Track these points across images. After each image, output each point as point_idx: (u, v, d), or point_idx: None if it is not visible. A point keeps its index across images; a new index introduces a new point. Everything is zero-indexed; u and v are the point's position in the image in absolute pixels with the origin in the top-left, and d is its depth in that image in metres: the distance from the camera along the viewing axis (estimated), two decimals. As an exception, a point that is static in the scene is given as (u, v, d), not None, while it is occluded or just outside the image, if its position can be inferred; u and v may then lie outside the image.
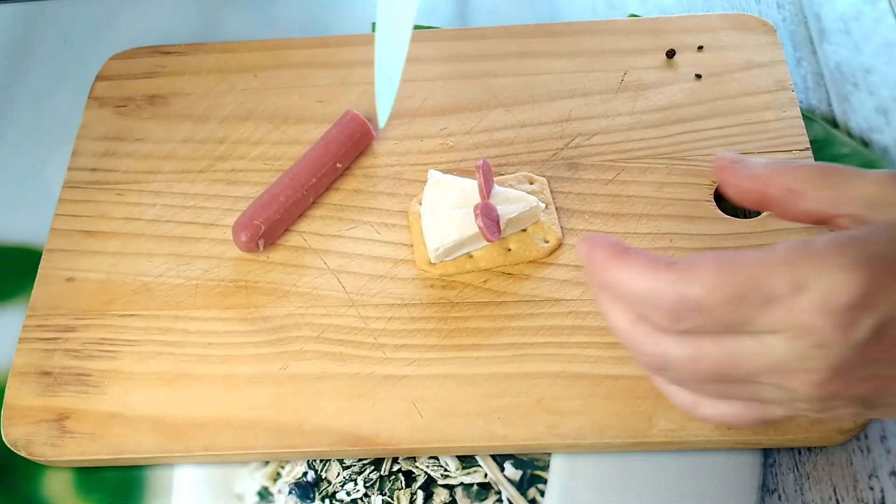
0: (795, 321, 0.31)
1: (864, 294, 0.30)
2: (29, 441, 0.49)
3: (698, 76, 0.59)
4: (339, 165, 0.56)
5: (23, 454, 0.48)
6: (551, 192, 0.54)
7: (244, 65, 0.62)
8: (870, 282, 0.30)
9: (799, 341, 0.31)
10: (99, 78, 0.63)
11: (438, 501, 0.47)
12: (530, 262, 0.52)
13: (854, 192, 0.35)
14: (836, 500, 0.46)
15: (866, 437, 0.47)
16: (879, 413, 0.35)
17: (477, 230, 0.50)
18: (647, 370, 0.36)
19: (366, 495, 0.48)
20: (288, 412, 0.48)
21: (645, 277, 0.33)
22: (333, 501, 0.48)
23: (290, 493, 0.48)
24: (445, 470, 0.48)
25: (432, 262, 0.52)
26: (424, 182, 0.54)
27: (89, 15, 0.69)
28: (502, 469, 0.48)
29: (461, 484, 0.48)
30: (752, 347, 0.32)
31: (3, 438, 0.49)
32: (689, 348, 0.33)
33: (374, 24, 0.66)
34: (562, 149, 0.57)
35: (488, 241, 0.51)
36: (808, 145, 0.55)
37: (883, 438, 0.47)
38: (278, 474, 0.49)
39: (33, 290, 0.54)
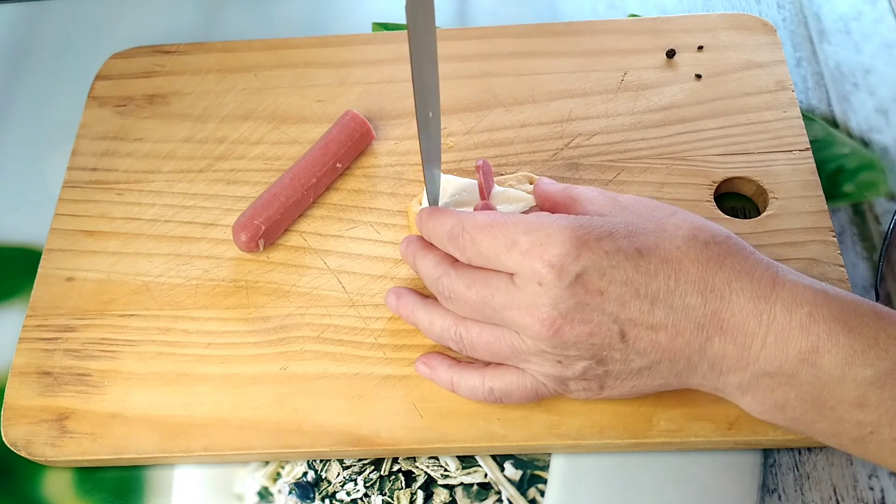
0: (524, 263, 0.42)
1: (569, 249, 0.41)
2: (29, 441, 0.49)
3: (698, 76, 0.59)
4: (339, 165, 0.56)
5: (23, 454, 0.48)
6: (551, 192, 0.54)
7: (244, 65, 0.62)
8: (575, 240, 0.41)
9: (527, 280, 0.42)
10: (99, 77, 0.63)
11: (438, 501, 0.47)
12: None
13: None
14: (836, 500, 0.46)
15: (866, 437, 0.48)
16: (611, 382, 0.44)
17: (477, 230, 0.50)
18: (445, 324, 0.46)
19: (366, 495, 0.48)
20: (288, 412, 0.48)
21: (446, 219, 0.45)
22: (333, 501, 0.48)
23: (290, 493, 0.48)
24: (445, 470, 0.48)
25: (432, 262, 0.52)
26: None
27: (89, 15, 0.69)
28: (502, 469, 0.48)
29: (461, 484, 0.48)
30: (499, 284, 0.43)
31: (3, 438, 0.49)
32: (466, 279, 0.44)
33: (374, 24, 0.67)
34: (562, 149, 0.57)
35: (488, 241, 0.51)
36: (808, 145, 0.55)
37: (883, 438, 0.47)
38: (278, 474, 0.49)
39: (33, 290, 0.54)
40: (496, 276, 0.44)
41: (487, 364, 0.47)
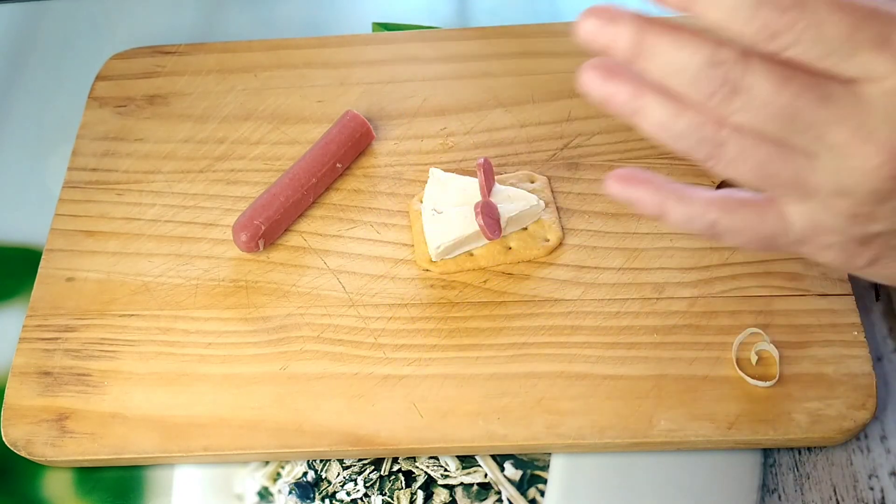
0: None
1: None
2: (29, 441, 0.49)
3: (698, 76, 0.59)
4: (339, 165, 0.56)
5: (23, 454, 0.48)
6: (552, 191, 0.54)
7: (244, 65, 0.62)
8: None
9: (887, 97, 0.30)
10: (99, 78, 0.63)
11: (438, 501, 0.47)
12: (531, 260, 0.52)
13: None
14: (836, 500, 0.46)
15: (866, 436, 0.48)
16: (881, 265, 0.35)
17: (478, 228, 0.50)
18: (704, 131, 0.33)
19: (366, 495, 0.48)
20: (288, 412, 0.48)
21: None
22: (333, 501, 0.48)
23: (290, 493, 0.48)
24: (445, 470, 0.48)
25: (433, 260, 0.52)
26: (424, 182, 0.54)
27: (89, 15, 0.69)
28: (502, 469, 0.48)
29: (461, 484, 0.48)
30: (834, 91, 0.30)
31: (3, 438, 0.49)
32: (778, 72, 0.30)
33: (374, 24, 0.67)
34: (562, 149, 0.57)
35: (489, 239, 0.51)
36: (809, 145, 0.55)
37: (883, 438, 0.47)
38: (278, 474, 0.49)
39: (33, 290, 0.54)
40: (828, 82, 0.31)
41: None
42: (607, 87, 0.34)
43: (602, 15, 0.31)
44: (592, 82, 0.34)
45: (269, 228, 0.53)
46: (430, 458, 0.48)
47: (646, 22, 0.31)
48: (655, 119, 0.33)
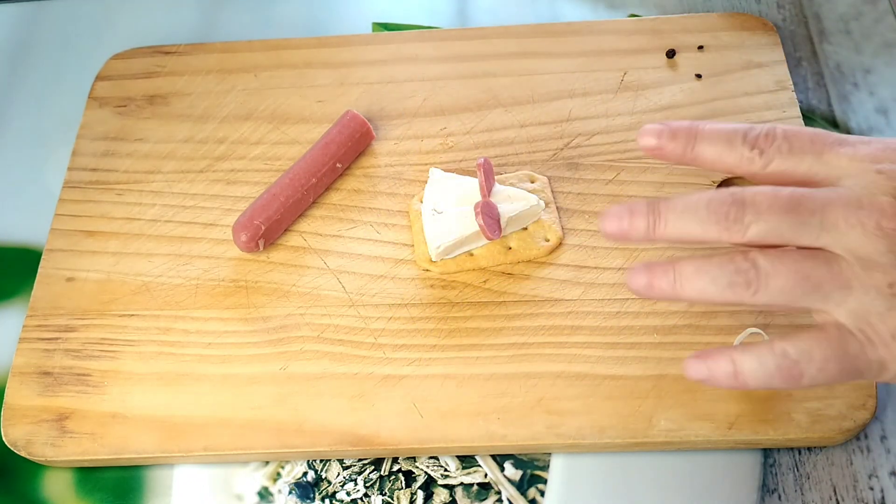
0: (862, 153, 0.37)
1: None
2: (29, 441, 0.49)
3: (698, 76, 0.59)
4: (339, 165, 0.56)
5: (23, 454, 0.48)
6: (552, 191, 0.54)
7: (244, 65, 0.62)
8: None
9: (854, 178, 0.37)
10: (99, 78, 0.63)
11: (438, 501, 0.47)
12: (531, 260, 0.52)
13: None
14: (836, 500, 0.46)
15: (866, 436, 0.48)
16: None
17: (477, 228, 0.50)
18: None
19: (366, 495, 0.48)
20: (288, 412, 0.48)
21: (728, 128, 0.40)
22: (333, 501, 0.48)
23: (290, 493, 0.48)
24: (445, 470, 0.48)
25: (433, 260, 0.52)
26: (424, 182, 0.54)
27: (89, 15, 0.69)
28: (502, 469, 0.48)
29: (461, 484, 0.48)
30: (822, 186, 0.38)
31: (3, 438, 0.49)
32: (771, 186, 0.38)
33: (374, 24, 0.67)
34: (562, 149, 0.57)
35: (489, 239, 0.51)
36: (808, 145, 0.55)
37: (883, 438, 0.47)
38: (278, 474, 0.49)
39: (33, 290, 0.54)
40: (811, 184, 0.39)
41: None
42: (651, 284, 0.40)
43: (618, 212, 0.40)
44: (636, 281, 0.40)
45: (269, 228, 0.53)
46: (430, 458, 0.48)
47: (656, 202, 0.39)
48: (696, 288, 0.39)
